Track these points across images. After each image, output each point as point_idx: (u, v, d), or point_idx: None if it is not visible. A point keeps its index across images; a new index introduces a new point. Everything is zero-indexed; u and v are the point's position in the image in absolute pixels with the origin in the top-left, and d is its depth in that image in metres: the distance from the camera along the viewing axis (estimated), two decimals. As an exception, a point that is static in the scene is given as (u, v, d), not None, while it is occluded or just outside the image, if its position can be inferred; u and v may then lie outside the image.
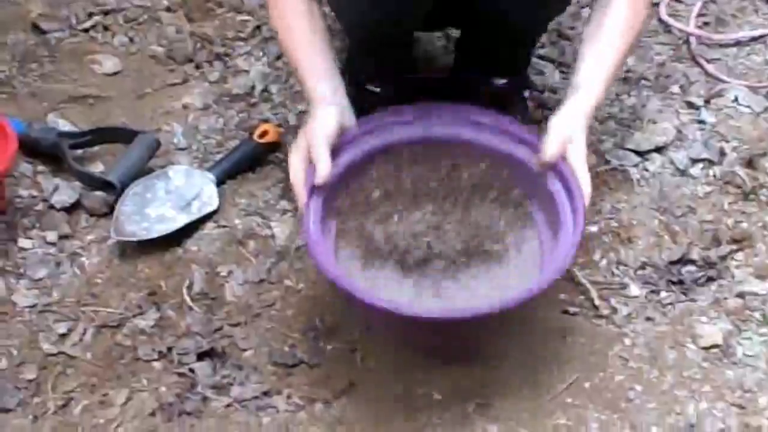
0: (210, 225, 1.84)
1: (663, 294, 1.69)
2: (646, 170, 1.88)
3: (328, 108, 1.61)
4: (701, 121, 1.96)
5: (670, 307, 1.66)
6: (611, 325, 1.64)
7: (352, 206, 1.64)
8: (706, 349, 1.57)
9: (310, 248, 1.52)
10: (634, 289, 1.70)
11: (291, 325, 1.68)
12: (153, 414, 1.55)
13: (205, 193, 1.86)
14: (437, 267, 1.58)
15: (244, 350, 1.65)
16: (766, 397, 1.50)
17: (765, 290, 1.66)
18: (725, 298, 1.65)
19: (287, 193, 1.88)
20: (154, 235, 1.80)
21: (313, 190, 1.57)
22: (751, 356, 1.55)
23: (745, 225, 1.78)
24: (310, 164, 1.57)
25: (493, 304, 1.46)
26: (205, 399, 1.57)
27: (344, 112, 1.63)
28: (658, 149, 1.91)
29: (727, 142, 1.92)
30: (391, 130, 1.68)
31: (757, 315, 1.61)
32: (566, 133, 1.57)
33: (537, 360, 1.58)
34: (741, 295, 1.65)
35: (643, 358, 1.57)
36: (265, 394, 1.58)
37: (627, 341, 1.60)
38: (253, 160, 1.94)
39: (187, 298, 1.72)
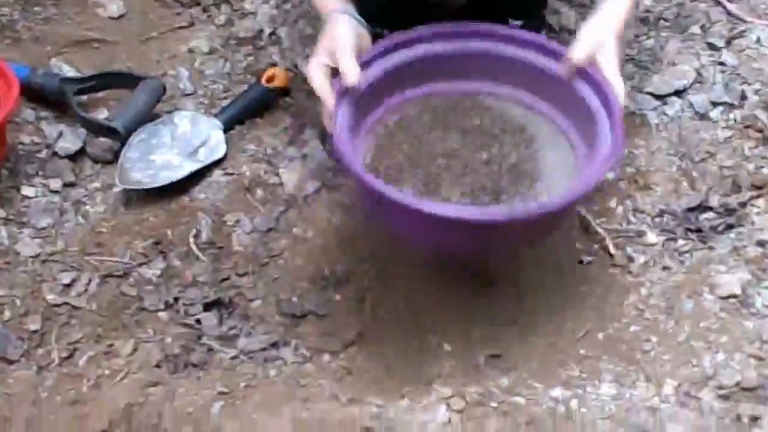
0: (217, 172, 1.80)
1: (680, 242, 1.64)
2: (665, 114, 1.83)
3: (347, 18, 1.55)
4: (722, 63, 1.89)
5: (687, 255, 1.62)
6: (627, 274, 1.59)
7: (381, 124, 1.58)
8: (723, 299, 1.52)
9: (338, 147, 1.44)
10: (651, 237, 1.65)
11: (299, 274, 1.65)
12: (158, 365, 1.52)
13: (212, 140, 1.82)
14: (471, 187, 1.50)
15: (251, 300, 1.62)
16: (786, 349, 1.47)
17: (786, 239, 1.61)
18: (744, 246, 1.60)
19: (296, 139, 1.84)
20: (160, 182, 1.76)
21: (340, 99, 1.49)
22: (769, 306, 1.51)
23: (765, 170, 1.72)
24: (334, 77, 1.50)
25: (531, 206, 1.40)
26: (210, 350, 1.54)
27: (360, 27, 1.56)
28: (678, 92, 1.85)
29: (749, 84, 1.86)
30: (416, 46, 1.61)
31: (777, 265, 1.57)
32: (597, 37, 1.52)
33: (550, 310, 1.54)
34: (761, 243, 1.60)
35: (659, 308, 1.52)
36: (273, 345, 1.55)
37: (643, 291, 1.55)
38: (261, 105, 1.90)
39: (194, 247, 1.69)
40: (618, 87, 1.48)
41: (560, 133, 1.57)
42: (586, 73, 1.51)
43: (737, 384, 1.41)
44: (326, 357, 1.52)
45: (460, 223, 1.37)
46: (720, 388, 1.41)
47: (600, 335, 1.50)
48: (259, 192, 1.77)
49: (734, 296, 1.52)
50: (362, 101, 1.53)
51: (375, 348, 1.53)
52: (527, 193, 1.46)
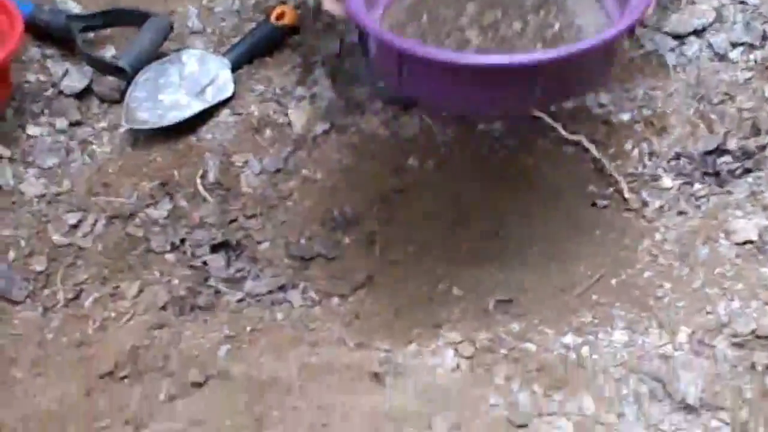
0: (225, 112, 1.77)
1: (697, 186, 1.60)
2: (683, 55, 1.78)
3: None
4: (743, 2, 1.84)
5: (703, 200, 1.58)
6: (642, 218, 1.56)
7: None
8: (739, 245, 1.49)
9: (351, 7, 1.34)
10: (667, 181, 1.62)
11: (308, 216, 1.62)
12: (164, 308, 1.50)
13: (220, 79, 1.79)
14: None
15: (259, 242, 1.60)
16: (803, 296, 1.43)
17: (805, 183, 1.58)
18: (762, 192, 1.56)
19: (305, 78, 1.81)
20: (167, 122, 1.74)
21: None
22: (787, 253, 1.48)
23: (787, 113, 1.69)
24: None
25: (566, 48, 1.30)
26: (217, 293, 1.52)
27: None
28: (696, 32, 1.80)
29: (771, 24, 1.82)
30: None
31: (795, 210, 1.53)
32: None
33: (563, 255, 1.51)
34: (779, 188, 1.57)
35: (673, 253, 1.49)
36: (280, 288, 1.52)
37: (657, 236, 1.52)
38: (270, 44, 1.86)
39: (201, 188, 1.66)
40: None
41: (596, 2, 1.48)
42: None
43: (752, 332, 1.37)
44: (335, 300, 1.50)
45: (497, 72, 1.29)
46: (735, 336, 1.38)
47: (613, 281, 1.47)
48: (268, 132, 1.74)
49: (750, 242, 1.48)
50: None
51: (384, 292, 1.51)
52: None
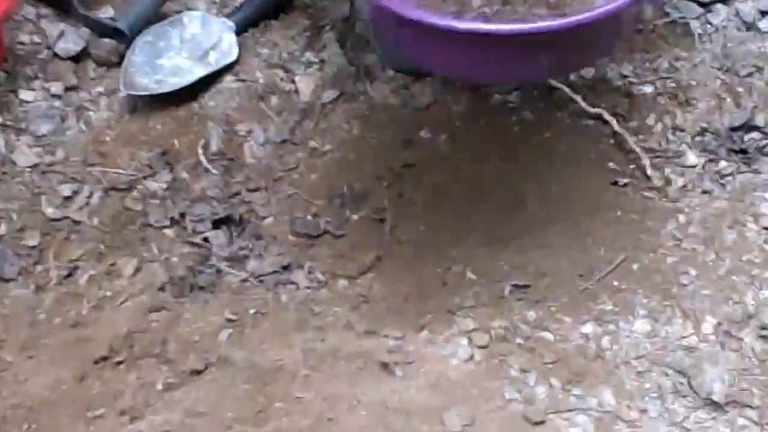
0: (228, 78, 1.69)
1: (722, 164, 1.53)
2: (709, 23, 1.70)
3: None
4: (772, -32, 1.76)
5: (729, 178, 1.51)
6: (665, 198, 1.48)
7: None
8: (767, 229, 1.42)
9: None
10: (691, 158, 1.54)
11: (315, 191, 1.55)
12: (162, 288, 1.42)
13: (224, 43, 1.70)
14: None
15: (264, 218, 1.52)
16: (833, 286, 1.36)
17: (838, 163, 1.50)
18: (792, 172, 1.49)
19: (313, 43, 1.73)
20: (168, 88, 1.65)
21: None
22: (818, 238, 1.40)
23: (817, 86, 1.60)
24: None
25: (568, 19, 1.19)
26: (219, 272, 1.45)
27: None
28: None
29: (801, -9, 1.73)
30: None
31: (828, 194, 1.46)
32: None
33: (582, 237, 1.44)
34: (811, 168, 1.49)
35: (698, 238, 1.42)
36: (285, 268, 1.45)
37: (681, 218, 1.45)
38: (276, 6, 1.76)
39: (203, 159, 1.58)
40: None
41: None
42: None
43: (782, 324, 1.31)
44: (342, 283, 1.43)
45: (498, 40, 1.21)
46: (762, 327, 1.31)
47: (635, 266, 1.40)
48: (274, 100, 1.66)
49: (780, 227, 1.42)
50: None
51: (393, 274, 1.44)
52: None
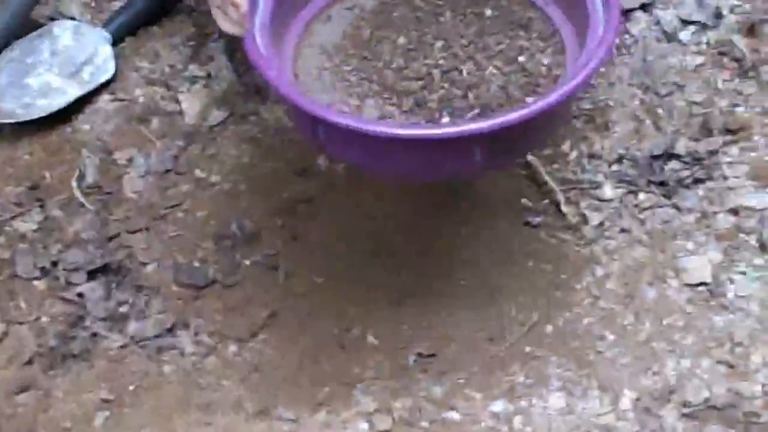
0: (104, 97, 1.54)
1: (641, 197, 1.42)
2: (628, 33, 1.58)
3: None
4: (695, -31, 1.64)
5: (648, 213, 1.40)
6: (581, 240, 1.37)
7: (318, 22, 1.29)
8: (691, 286, 1.31)
9: (250, 51, 1.12)
10: (608, 190, 1.43)
11: (202, 230, 1.41)
12: (30, 362, 1.28)
13: (99, 56, 1.54)
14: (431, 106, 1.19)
15: (145, 264, 1.39)
16: (760, 353, 1.26)
17: (762, 202, 1.39)
18: (714, 213, 1.38)
19: (199, 53, 1.57)
20: (37, 113, 1.49)
21: None
22: (742, 297, 1.30)
23: (740, 110, 1.49)
24: None
25: (498, 118, 1.06)
26: (95, 335, 1.32)
27: None
28: (644, 6, 1.60)
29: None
30: None
31: (752, 240, 1.35)
32: None
33: (492, 293, 1.32)
34: (733, 210, 1.38)
35: (616, 295, 1.31)
36: (169, 330, 1.32)
37: (598, 270, 1.34)
38: (158, 11, 1.61)
39: (77, 193, 1.44)
40: None
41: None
42: None
43: (705, 401, 1.21)
44: (231, 348, 1.30)
45: (425, 143, 1.10)
46: (685, 405, 1.21)
47: (548, 328, 1.29)
48: (155, 122, 1.51)
49: (704, 284, 1.31)
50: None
51: (288, 335, 1.31)
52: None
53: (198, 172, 1.46)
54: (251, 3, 1.14)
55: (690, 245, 1.35)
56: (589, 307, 1.30)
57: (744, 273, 1.32)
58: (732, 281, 1.31)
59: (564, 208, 1.41)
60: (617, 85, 1.53)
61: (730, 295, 1.30)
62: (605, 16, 1.17)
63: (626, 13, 1.59)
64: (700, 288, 1.31)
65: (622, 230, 1.39)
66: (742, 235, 1.35)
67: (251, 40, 1.12)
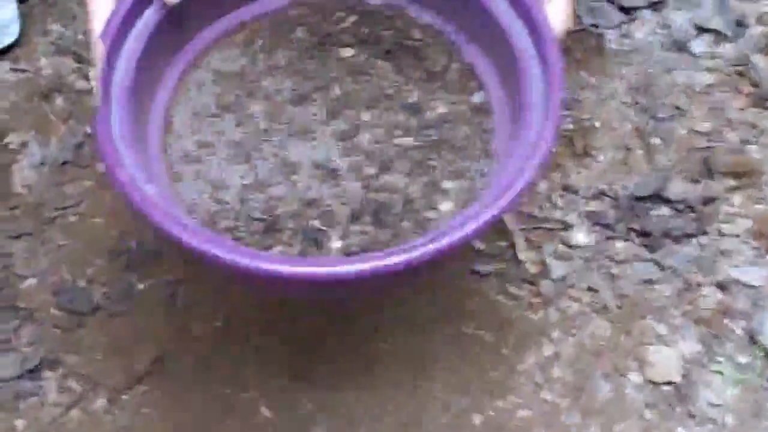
0: (3, 66, 1.31)
1: (618, 246, 1.19)
2: (629, 37, 1.32)
3: None
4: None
5: (623, 267, 1.17)
6: (536, 298, 1.15)
7: (191, 77, 1.03)
8: (655, 384, 1.08)
9: (103, 142, 0.86)
10: (580, 235, 1.20)
11: (95, 242, 1.20)
12: None
13: (2, 16, 1.31)
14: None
15: (23, 278, 1.18)
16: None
17: (760, 277, 1.15)
18: (699, 284, 1.14)
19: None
20: None
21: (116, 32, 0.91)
22: (716, 406, 1.07)
23: (753, 148, 1.24)
24: None
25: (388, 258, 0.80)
26: (-54, 373, 1.12)
27: None
28: (653, 4, 1.34)
29: (753, 1, 1.34)
30: None
31: (739, 329, 1.11)
32: None
33: (417, 365, 1.11)
34: (723, 286, 1.14)
35: (564, 385, 1.08)
36: (33, 370, 1.12)
37: (548, 349, 1.11)
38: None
39: (-41, 182, 1.23)
40: (560, 13, 0.92)
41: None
42: None
43: None
44: (101, 401, 1.10)
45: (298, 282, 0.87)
46: None
47: (476, 418, 1.07)
48: (60, 101, 1.29)
49: (670, 383, 1.08)
50: (161, 33, 0.96)
51: (172, 388, 1.10)
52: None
53: (101, 167, 1.24)
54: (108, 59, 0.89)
55: (662, 329, 1.11)
56: (529, 397, 1.08)
57: (722, 373, 1.08)
58: (706, 384, 1.08)
59: (522, 255, 1.18)
60: (608, 102, 1.28)
61: (702, 401, 1.07)
62: (543, 76, 0.91)
63: (630, 11, 1.33)
64: (666, 388, 1.08)
65: (589, 288, 1.16)
66: (727, 321, 1.12)
67: (104, 119, 0.88)
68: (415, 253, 0.80)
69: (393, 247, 0.87)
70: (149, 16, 0.95)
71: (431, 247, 0.81)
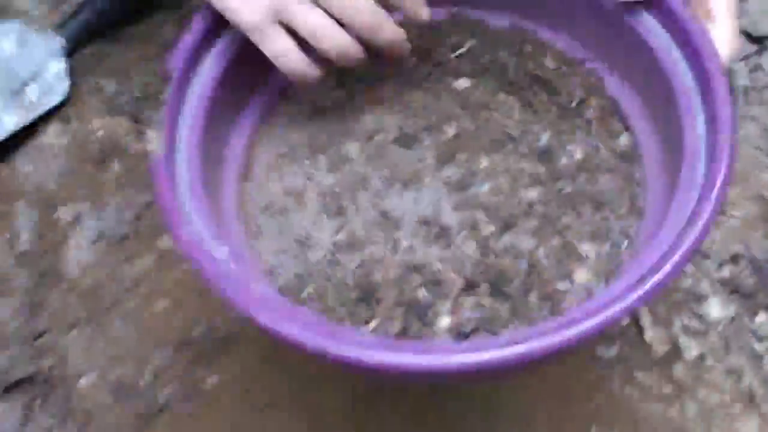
0: (54, 128, 1.17)
1: (761, 319, 1.02)
2: (758, 71, 1.15)
3: None
4: None
5: (765, 343, 1.00)
6: (668, 386, 0.98)
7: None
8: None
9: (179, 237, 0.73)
10: (714, 308, 1.03)
11: (161, 328, 1.06)
12: None
13: (50, 72, 1.17)
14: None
15: (79, 377, 1.04)
16: None
17: None
18: None
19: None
20: (-41, 151, 1.14)
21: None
22: None
23: None
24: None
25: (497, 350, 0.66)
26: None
27: None
28: (789, 30, 1.17)
29: None
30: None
31: None
32: None
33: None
34: None
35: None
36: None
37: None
38: (129, 8, 1.22)
39: (8, 262, 1.09)
40: (727, 35, 0.77)
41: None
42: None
43: None
44: None
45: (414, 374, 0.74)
46: None
47: None
48: (115, 167, 1.15)
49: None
50: (240, 60, 0.84)
51: None
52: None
53: (165, 241, 1.10)
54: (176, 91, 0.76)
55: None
56: None
57: None
58: None
59: (648, 334, 1.02)
60: (741, 146, 1.11)
61: None
62: (707, 115, 0.76)
63: (762, 40, 1.16)
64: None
65: (729, 372, 1.00)
66: None
67: (167, 164, 0.74)
68: (549, 340, 0.65)
69: (515, 325, 0.72)
70: (226, 42, 0.81)
71: (570, 333, 0.65)
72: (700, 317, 1.03)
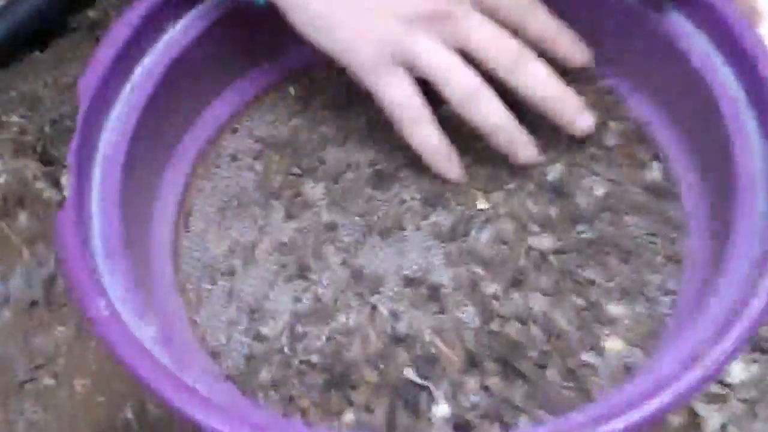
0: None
1: (786, 382, 0.88)
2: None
3: None
4: None
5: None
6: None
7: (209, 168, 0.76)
8: None
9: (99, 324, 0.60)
10: (736, 368, 0.88)
11: (82, 410, 0.89)
12: None
13: (-58, 107, 1.00)
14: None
15: (-15, 476, 0.88)
16: None
17: None
18: None
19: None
20: None
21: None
22: None
23: None
24: None
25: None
26: None
27: None
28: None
29: None
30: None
31: None
32: None
33: None
34: None
35: None
36: None
37: None
38: (45, 23, 1.05)
39: None
40: None
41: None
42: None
43: None
44: None
45: None
46: None
47: None
48: (22, 219, 0.98)
49: None
50: (173, 84, 0.69)
51: None
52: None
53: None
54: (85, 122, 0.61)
55: None
56: None
57: None
58: None
59: (702, 412, 0.87)
60: None
61: None
62: (762, 133, 0.60)
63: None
64: None
65: (754, 442, 0.85)
66: None
67: (75, 217, 0.59)
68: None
69: (533, 411, 0.57)
70: (155, 59, 0.65)
71: (612, 427, 0.51)
72: (721, 382, 0.88)
